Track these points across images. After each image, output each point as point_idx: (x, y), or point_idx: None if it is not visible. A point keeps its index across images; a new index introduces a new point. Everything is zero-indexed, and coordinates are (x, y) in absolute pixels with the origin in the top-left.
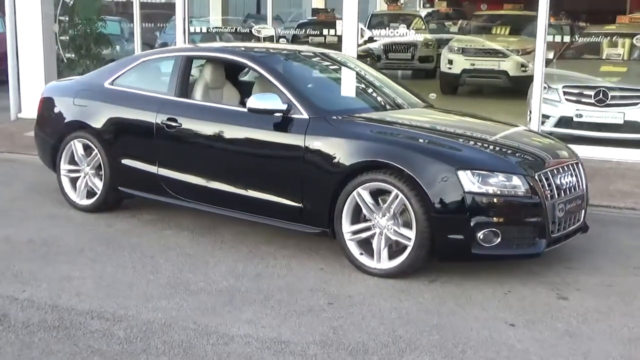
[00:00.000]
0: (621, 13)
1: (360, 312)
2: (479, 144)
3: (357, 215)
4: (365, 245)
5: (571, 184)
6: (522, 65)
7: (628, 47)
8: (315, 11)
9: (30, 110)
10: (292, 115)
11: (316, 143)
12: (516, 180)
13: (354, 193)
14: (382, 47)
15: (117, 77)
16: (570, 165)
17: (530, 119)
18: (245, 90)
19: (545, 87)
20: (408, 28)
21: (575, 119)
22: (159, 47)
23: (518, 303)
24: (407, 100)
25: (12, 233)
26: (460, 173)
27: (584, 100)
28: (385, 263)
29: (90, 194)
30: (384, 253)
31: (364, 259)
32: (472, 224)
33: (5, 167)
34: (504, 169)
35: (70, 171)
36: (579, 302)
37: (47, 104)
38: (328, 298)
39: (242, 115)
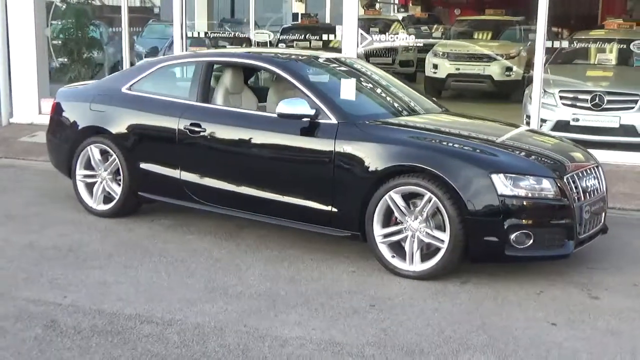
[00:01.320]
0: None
1: (403, 313)
2: (509, 148)
3: (388, 219)
4: (397, 248)
5: (594, 187)
6: (507, 70)
7: (616, 52)
8: (296, 16)
9: (23, 116)
10: (320, 120)
11: (347, 147)
12: (546, 183)
13: (386, 196)
14: (363, 52)
15: (134, 83)
16: (592, 169)
17: (528, 122)
18: (259, 96)
19: (542, 92)
20: (388, 32)
21: (572, 123)
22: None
23: (552, 303)
24: (424, 105)
25: (35, 239)
26: (494, 176)
27: (580, 104)
28: (418, 265)
29: (107, 199)
30: (417, 256)
31: (396, 262)
32: (505, 226)
33: (6, 172)
34: (534, 172)
35: (86, 176)
36: (612, 302)
37: (60, 109)
38: (368, 300)
39: (268, 120)
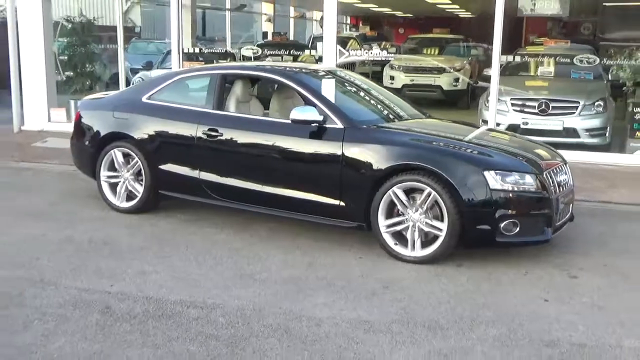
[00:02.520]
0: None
1: (415, 293)
2: (494, 148)
3: (391, 211)
4: (398, 236)
5: (565, 181)
6: (454, 80)
7: (555, 66)
8: (265, 34)
9: (33, 123)
10: (327, 125)
11: (353, 149)
12: (528, 179)
13: (390, 192)
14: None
15: (154, 93)
16: (562, 166)
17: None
18: (263, 104)
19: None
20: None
21: (522, 126)
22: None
23: (539, 282)
24: (410, 112)
25: (70, 234)
26: (486, 173)
27: (528, 110)
28: (419, 251)
29: (128, 197)
30: (418, 243)
31: (398, 249)
32: (496, 216)
33: (26, 175)
34: (518, 169)
35: (109, 177)
36: (589, 280)
37: (84, 117)
38: (380, 283)
39: (280, 125)
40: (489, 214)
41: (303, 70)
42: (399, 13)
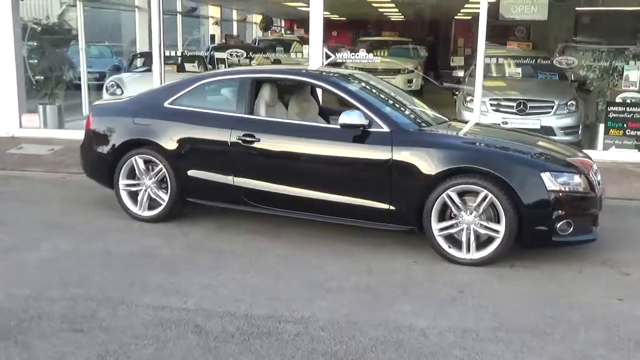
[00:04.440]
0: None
1: (495, 297)
2: (540, 149)
3: (442, 214)
4: (451, 239)
5: (600, 181)
6: (408, 81)
7: (522, 67)
8: (213, 37)
9: (4, 129)
10: (372, 129)
11: (404, 153)
12: (577, 179)
13: (444, 195)
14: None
15: (176, 98)
16: (595, 166)
17: None
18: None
19: (472, 100)
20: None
21: (502, 125)
22: None
23: (599, 280)
24: (433, 115)
25: (104, 246)
26: (543, 175)
27: (507, 110)
28: (474, 254)
29: (150, 205)
30: (473, 245)
31: (453, 251)
32: (553, 216)
33: (15, 183)
34: (568, 169)
35: (129, 185)
36: None
37: (98, 123)
38: (452, 287)
39: (321, 130)
40: (547, 215)
41: (337, 75)
42: (334, 17)
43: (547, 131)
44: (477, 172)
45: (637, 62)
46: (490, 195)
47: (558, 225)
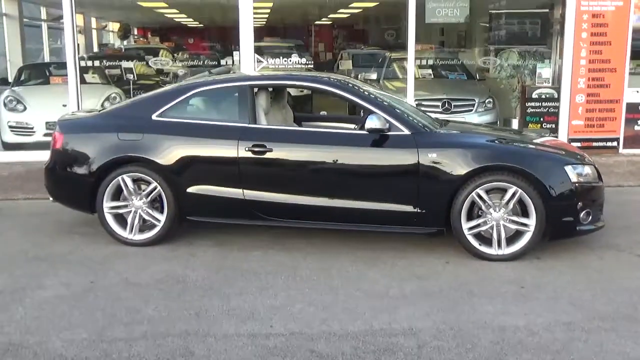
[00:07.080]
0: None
1: (557, 290)
2: (553, 145)
3: (470, 213)
4: (479, 237)
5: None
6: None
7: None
8: (78, 47)
9: None
10: (392, 133)
11: (431, 155)
12: (588, 170)
13: (474, 194)
14: None
15: (166, 110)
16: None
17: None
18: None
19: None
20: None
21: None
22: None
23: (626, 265)
24: (429, 117)
25: (118, 276)
26: (566, 168)
27: (432, 109)
28: (506, 249)
29: (141, 228)
30: (504, 241)
31: (484, 248)
32: (578, 207)
33: None
34: (581, 162)
35: (115, 207)
36: None
37: (71, 141)
38: (506, 283)
39: (337, 136)
40: (572, 205)
41: (342, 80)
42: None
43: None
44: (506, 169)
45: (548, 60)
46: (519, 190)
47: (581, 215)
